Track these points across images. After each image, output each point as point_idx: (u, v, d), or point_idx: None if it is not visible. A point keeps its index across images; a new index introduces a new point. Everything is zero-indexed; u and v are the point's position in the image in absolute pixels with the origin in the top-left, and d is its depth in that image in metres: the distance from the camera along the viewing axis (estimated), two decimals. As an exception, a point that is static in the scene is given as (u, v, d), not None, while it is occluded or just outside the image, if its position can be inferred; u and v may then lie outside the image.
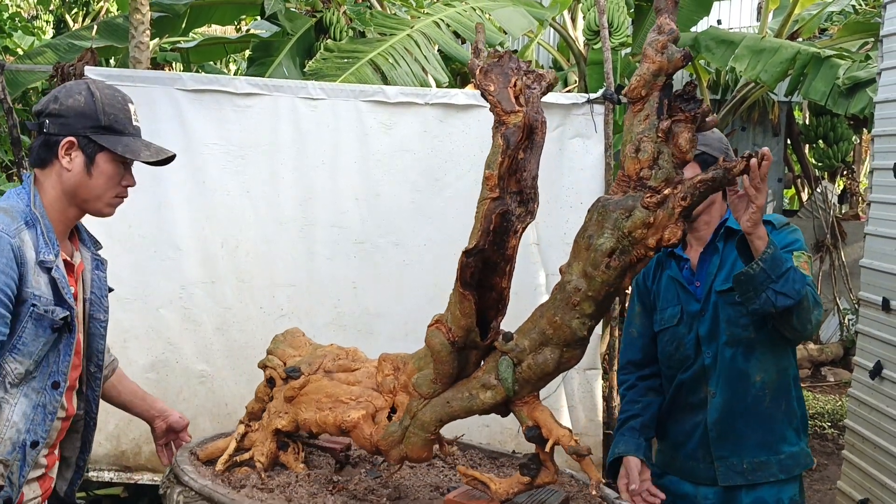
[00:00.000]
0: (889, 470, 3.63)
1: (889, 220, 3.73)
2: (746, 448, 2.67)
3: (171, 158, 2.29)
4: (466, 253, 1.95)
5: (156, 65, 7.96)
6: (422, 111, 4.18)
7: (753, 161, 2.20)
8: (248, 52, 8.32)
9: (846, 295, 9.03)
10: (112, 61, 7.96)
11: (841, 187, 10.41)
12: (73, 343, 2.22)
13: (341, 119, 4.15)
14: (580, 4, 7.43)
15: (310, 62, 5.81)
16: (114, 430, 4.08)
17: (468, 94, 4.21)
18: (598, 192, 4.09)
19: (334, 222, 4.17)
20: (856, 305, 7.62)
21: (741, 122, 9.61)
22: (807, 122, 10.34)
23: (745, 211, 2.38)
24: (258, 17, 8.21)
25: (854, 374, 3.99)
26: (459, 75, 7.76)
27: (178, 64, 8.72)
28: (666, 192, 1.81)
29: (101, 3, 11.26)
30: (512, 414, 2.10)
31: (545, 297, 2.02)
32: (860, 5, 8.49)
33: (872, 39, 7.09)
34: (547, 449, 2.02)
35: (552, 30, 7.95)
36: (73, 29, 10.29)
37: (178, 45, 8.62)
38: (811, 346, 8.65)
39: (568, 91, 7.33)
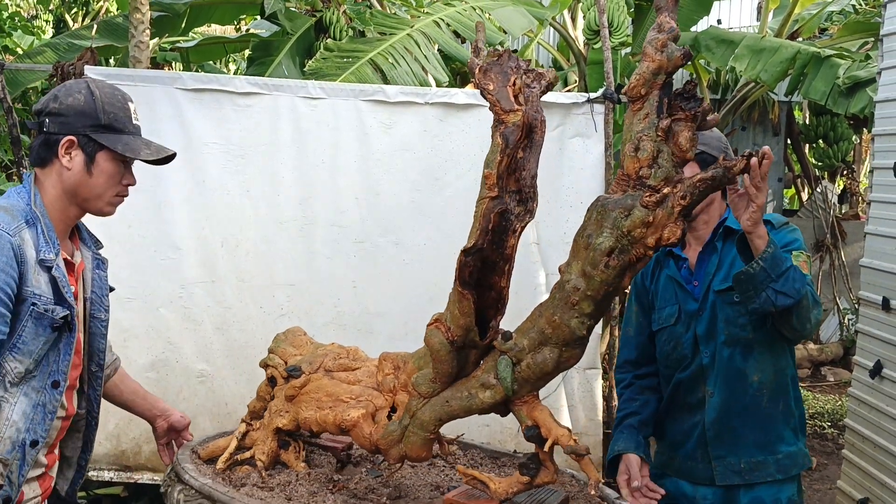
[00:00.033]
0: (889, 469, 3.63)
1: (889, 220, 3.73)
2: (744, 448, 2.67)
3: (171, 157, 2.29)
4: (465, 252, 1.95)
5: (156, 64, 7.95)
6: (422, 110, 4.18)
7: (754, 160, 2.20)
8: (247, 52, 8.32)
9: (846, 295, 9.03)
10: (112, 61, 7.96)
11: (841, 187, 10.41)
12: (73, 342, 2.22)
13: (341, 118, 4.15)
14: (580, 4, 7.43)
15: (310, 62, 5.81)
16: (114, 429, 4.08)
17: (468, 94, 4.21)
18: (598, 191, 4.08)
19: (334, 221, 4.17)
20: (856, 305, 7.62)
21: (741, 122, 9.61)
22: (807, 121, 10.35)
23: (746, 210, 2.38)
24: (258, 17, 8.21)
25: (854, 373, 3.99)
26: (459, 75, 7.75)
27: (177, 64, 8.72)
28: (665, 191, 1.81)
29: (101, 3, 11.26)
30: (512, 413, 2.10)
31: (545, 297, 2.02)
32: (860, 5, 8.49)
33: (872, 39, 7.10)
34: (546, 448, 2.02)
35: (552, 29, 7.94)
36: (73, 28, 10.29)
37: (178, 45, 8.61)
38: (811, 345, 8.65)
39: (568, 91, 7.33)
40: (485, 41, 2.09)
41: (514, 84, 1.99)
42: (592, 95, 4.25)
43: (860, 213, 9.71)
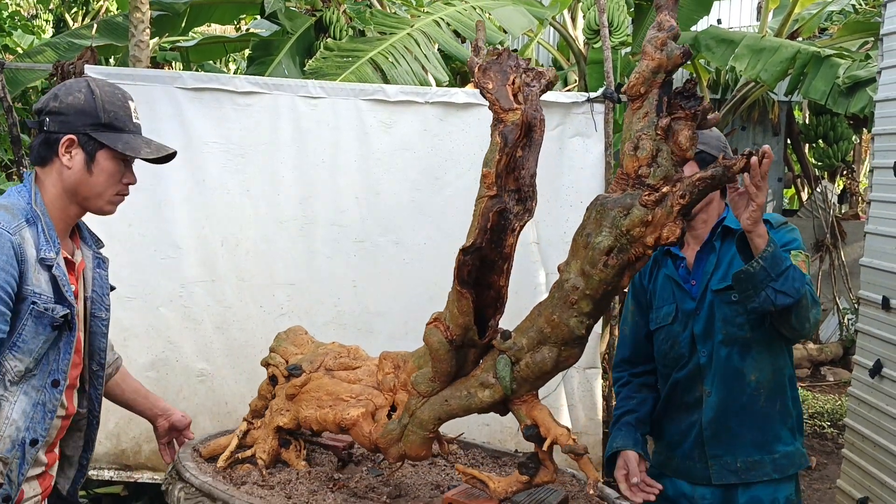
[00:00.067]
0: (889, 468, 3.63)
1: (889, 219, 3.73)
2: (741, 447, 2.67)
3: (171, 156, 2.29)
4: (464, 251, 1.94)
5: (156, 64, 7.96)
6: (422, 110, 4.18)
7: (754, 159, 2.20)
8: (247, 52, 8.32)
9: (846, 294, 9.03)
10: (112, 60, 7.96)
11: (841, 187, 10.41)
12: (73, 341, 2.22)
13: (341, 118, 4.15)
14: (580, 3, 7.43)
15: (310, 61, 5.81)
16: (114, 428, 4.08)
17: (468, 93, 4.21)
18: (598, 190, 4.08)
19: (334, 221, 4.17)
20: (855, 305, 7.62)
21: (741, 122, 9.62)
22: (807, 121, 10.35)
23: (746, 209, 2.37)
24: (258, 16, 8.22)
25: (854, 372, 3.99)
26: (459, 74, 7.76)
27: (177, 63, 8.73)
28: (664, 189, 1.80)
29: (101, 3, 11.26)
30: (511, 412, 2.10)
31: (545, 296, 2.02)
32: (860, 5, 8.49)
33: (872, 39, 7.10)
34: (544, 448, 2.01)
35: (552, 29, 7.94)
36: (73, 28, 10.29)
37: (178, 45, 8.62)
38: (811, 345, 8.66)
39: (568, 90, 7.33)
40: (485, 40, 2.09)
41: (514, 83, 1.98)
42: (592, 95, 4.25)
43: (860, 213, 9.72)
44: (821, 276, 9.04)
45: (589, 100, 4.22)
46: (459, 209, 3.92)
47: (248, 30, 9.49)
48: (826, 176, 9.92)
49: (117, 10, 9.60)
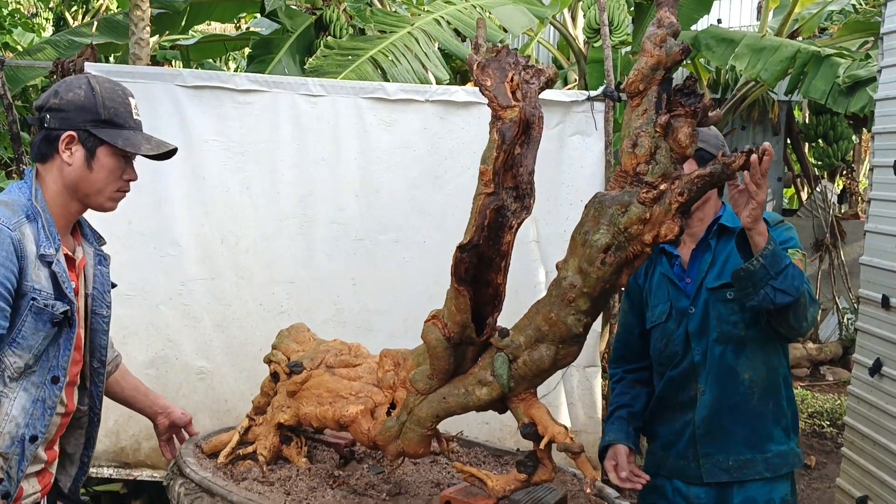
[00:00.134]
0: (888, 467, 3.64)
1: (889, 218, 3.73)
2: (733, 445, 2.67)
3: (172, 152, 2.29)
4: (461, 248, 1.94)
5: (156, 62, 7.95)
6: (422, 108, 4.18)
7: (754, 157, 2.20)
8: (247, 50, 8.32)
9: (845, 294, 9.03)
10: (112, 58, 7.96)
11: (840, 187, 10.41)
12: (73, 338, 2.22)
13: (341, 116, 4.15)
14: (580, 3, 7.44)
15: (310, 59, 5.81)
16: (113, 426, 4.08)
17: (468, 91, 4.21)
18: (597, 189, 4.06)
19: (334, 219, 4.17)
20: (855, 305, 7.62)
21: (741, 121, 9.61)
22: (806, 120, 10.35)
23: (746, 207, 2.37)
24: (258, 15, 8.22)
25: (854, 371, 3.99)
26: (460, 73, 7.76)
27: (178, 62, 8.73)
28: (662, 187, 1.79)
29: (101, 1, 11.26)
30: (510, 411, 2.09)
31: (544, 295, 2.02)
32: (860, 4, 8.49)
33: (872, 38, 7.10)
34: (542, 446, 2.01)
35: (552, 28, 7.94)
36: (73, 26, 10.29)
37: (178, 43, 8.62)
38: (810, 345, 8.66)
39: (568, 90, 7.32)
40: (485, 38, 2.09)
41: (512, 80, 1.97)
42: (593, 93, 4.25)
43: (859, 213, 9.72)
44: (820, 276, 9.03)
45: (589, 98, 4.22)
46: (459, 207, 3.90)
47: (248, 28, 9.50)
48: (826, 175, 9.92)
49: (117, 8, 9.60)
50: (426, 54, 5.62)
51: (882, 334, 3.72)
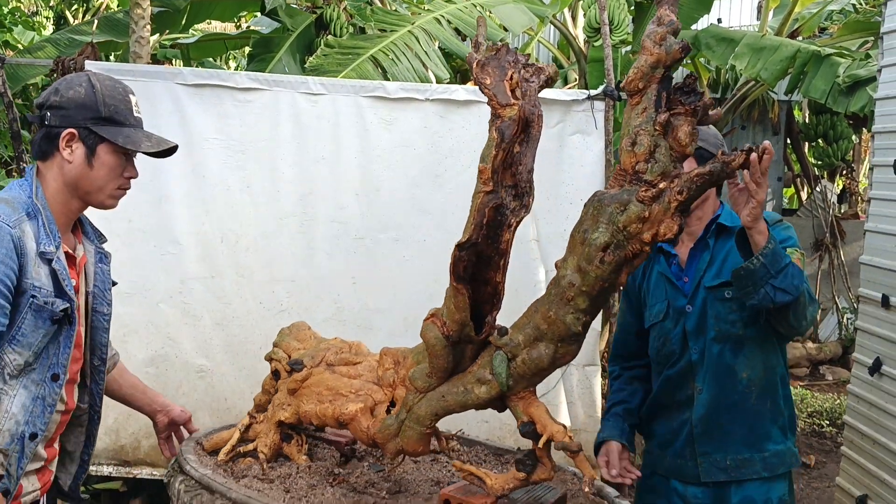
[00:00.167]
0: (888, 466, 3.64)
1: (889, 217, 3.73)
2: (731, 444, 2.66)
3: (172, 149, 2.29)
4: (459, 246, 1.94)
5: (156, 61, 7.95)
6: (422, 107, 4.18)
7: (754, 156, 2.19)
8: (248, 49, 8.32)
9: (845, 294, 9.03)
10: (112, 57, 7.96)
11: (840, 186, 10.41)
12: (73, 335, 2.22)
13: (341, 114, 4.15)
14: (580, 2, 7.43)
15: (310, 58, 5.81)
16: (113, 424, 4.08)
17: (468, 90, 4.21)
18: (597, 188, 4.07)
19: (334, 218, 4.17)
20: (854, 304, 7.62)
21: (741, 121, 9.61)
22: (806, 120, 10.35)
23: (746, 206, 2.37)
24: (258, 14, 8.22)
25: (853, 370, 4.00)
26: (460, 72, 7.76)
27: (178, 60, 8.73)
28: (661, 185, 1.79)
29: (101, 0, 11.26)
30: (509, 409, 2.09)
31: (544, 293, 2.01)
32: (860, 4, 8.49)
33: (872, 38, 7.10)
34: (540, 445, 2.01)
35: (552, 27, 7.94)
36: (74, 24, 10.29)
37: (179, 42, 8.62)
38: (810, 344, 8.66)
39: (568, 89, 7.32)
40: (485, 36, 2.09)
41: (511, 78, 1.97)
42: (593, 92, 4.24)
43: (859, 213, 9.72)
44: (820, 276, 9.03)
45: (589, 97, 4.22)
46: (460, 206, 3.89)
47: (248, 27, 9.50)
48: (826, 175, 9.92)
49: (118, 6, 9.60)
50: (426, 53, 5.62)
51: (882, 333, 3.72)
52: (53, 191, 2.21)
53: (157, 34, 7.84)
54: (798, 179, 10.88)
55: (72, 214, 2.27)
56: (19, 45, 8.37)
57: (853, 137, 9.52)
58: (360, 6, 6.51)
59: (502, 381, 1.99)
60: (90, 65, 4.06)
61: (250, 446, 2.41)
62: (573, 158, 4.24)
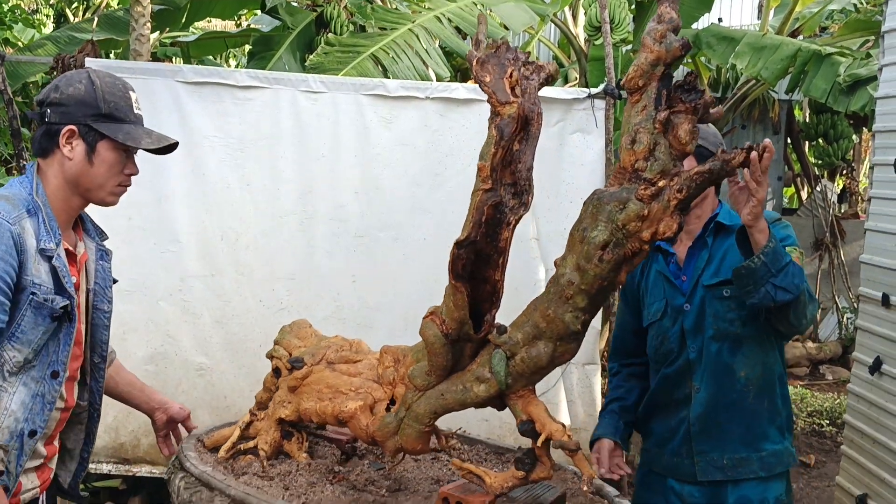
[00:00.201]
0: (888, 465, 3.64)
1: (889, 216, 3.73)
2: (728, 443, 2.66)
3: (173, 146, 2.29)
4: (458, 244, 1.94)
5: (156, 59, 7.96)
6: (422, 105, 4.18)
7: (754, 154, 2.18)
8: (248, 47, 8.32)
9: (845, 293, 9.03)
10: (112, 54, 7.96)
11: (840, 186, 10.40)
12: (73, 333, 2.22)
13: (342, 112, 4.15)
14: (581, 0, 7.43)
15: (311, 56, 5.81)
16: (112, 422, 4.08)
17: (469, 89, 4.21)
18: (598, 187, 4.07)
19: (334, 216, 4.17)
20: (854, 304, 7.62)
21: (741, 120, 9.60)
22: (807, 119, 10.34)
23: (746, 204, 2.37)
24: (258, 12, 8.22)
25: (853, 369, 3.99)
26: (460, 71, 7.76)
27: (178, 59, 8.73)
28: (661, 184, 1.78)
29: (102, -2, 11.26)
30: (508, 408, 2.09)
31: (544, 292, 2.01)
32: (861, 3, 8.48)
33: (873, 38, 7.09)
34: (539, 443, 2.01)
35: (553, 26, 7.94)
36: (74, 22, 10.29)
37: (179, 40, 8.62)
38: (810, 344, 8.66)
39: (569, 88, 7.32)
40: (486, 33, 2.08)
41: (511, 76, 1.97)
42: (593, 91, 4.24)
43: (859, 213, 9.71)
44: (820, 275, 9.03)
45: (590, 96, 4.22)
46: (459, 205, 3.89)
47: (248, 25, 9.50)
48: (826, 175, 9.91)
49: (118, 4, 9.60)
50: (427, 51, 5.62)
51: (882, 332, 3.72)
52: (54, 188, 2.21)
53: (158, 32, 7.84)
54: (798, 179, 10.88)
55: (72, 211, 2.27)
56: (19, 43, 8.37)
57: (853, 137, 9.51)
58: (360, 4, 6.51)
59: (501, 380, 1.99)
60: (90, 62, 4.06)
61: (251, 444, 2.42)
62: (573, 157, 4.24)
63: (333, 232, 4.16)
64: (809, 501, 5.52)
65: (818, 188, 9.48)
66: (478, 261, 1.99)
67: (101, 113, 2.18)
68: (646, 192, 1.79)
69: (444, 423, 2.18)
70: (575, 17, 7.70)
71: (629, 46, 7.16)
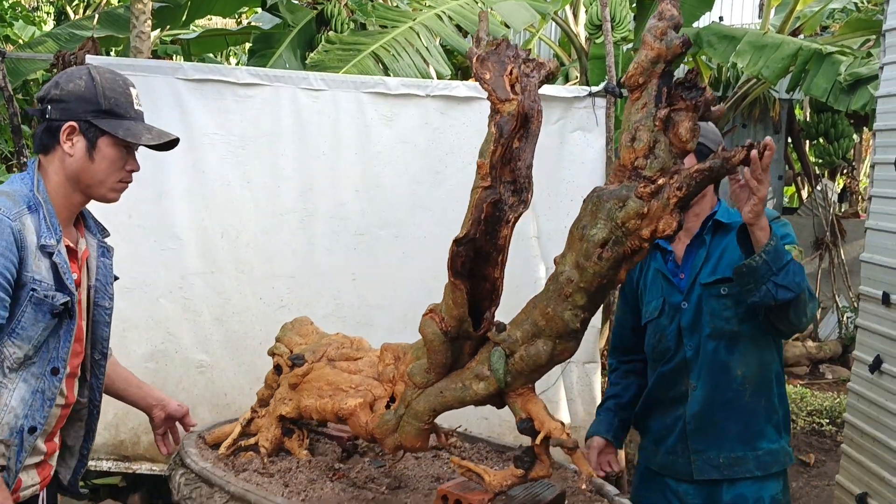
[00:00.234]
0: (887, 464, 3.64)
1: (890, 215, 3.73)
2: (725, 442, 2.66)
3: (174, 142, 2.29)
4: (457, 242, 1.93)
5: (157, 57, 7.95)
6: (423, 103, 4.18)
7: (755, 152, 2.18)
8: (248, 45, 8.31)
9: (845, 293, 9.02)
10: (113, 52, 7.96)
11: (841, 185, 10.39)
12: (73, 329, 2.22)
13: (342, 110, 4.15)
14: (582, -1, 7.44)
15: (311, 54, 5.81)
16: (112, 419, 4.09)
17: (469, 86, 4.21)
18: (598, 185, 4.08)
19: (334, 213, 4.17)
20: (854, 304, 7.62)
21: (742, 119, 9.60)
22: (807, 118, 10.34)
23: (747, 203, 2.36)
24: (259, 9, 8.21)
25: (854, 368, 3.99)
26: (461, 69, 7.75)
27: (178, 56, 8.72)
28: (660, 181, 1.77)
29: (102, -4, 11.25)
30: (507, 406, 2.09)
31: (545, 291, 2.01)
32: (862, 2, 8.49)
33: (874, 37, 7.09)
34: (538, 441, 2.01)
35: (554, 24, 7.94)
36: (74, 19, 10.29)
37: (179, 38, 8.61)
38: (810, 343, 8.66)
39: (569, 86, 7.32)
40: (487, 31, 2.08)
41: (511, 73, 1.96)
42: (594, 89, 4.24)
43: (860, 212, 9.70)
44: (820, 275, 9.02)
45: (590, 94, 4.22)
46: (459, 203, 3.88)
47: (249, 23, 9.49)
48: (826, 174, 9.90)
49: (118, 1, 9.60)
50: (427, 49, 5.62)
51: (882, 331, 3.72)
52: (55, 184, 2.21)
53: (158, 30, 7.83)
54: (799, 178, 10.87)
55: (74, 208, 2.26)
56: (20, 40, 8.36)
57: (854, 136, 9.50)
58: (361, 2, 6.51)
59: (500, 378, 1.99)
60: (91, 59, 4.06)
61: (252, 440, 2.42)
62: (574, 155, 4.23)
63: (333, 230, 4.16)
64: (809, 500, 5.52)
65: (819, 187, 9.47)
66: (477, 258, 1.99)
67: (102, 109, 2.18)
68: (645, 190, 1.78)
69: (444, 420, 2.18)
70: (576, 15, 7.70)
71: (630, 45, 7.16)
